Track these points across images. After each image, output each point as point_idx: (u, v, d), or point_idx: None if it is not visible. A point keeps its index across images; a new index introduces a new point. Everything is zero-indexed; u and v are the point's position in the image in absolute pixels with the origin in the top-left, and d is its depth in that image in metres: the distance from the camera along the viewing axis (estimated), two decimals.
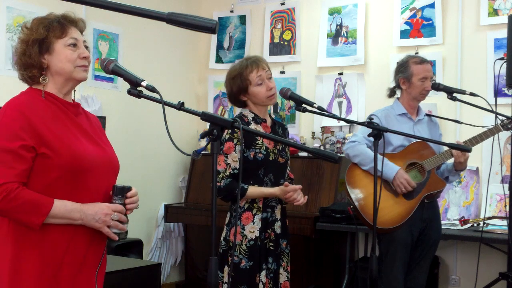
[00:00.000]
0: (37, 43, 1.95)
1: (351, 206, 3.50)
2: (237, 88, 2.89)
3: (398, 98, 3.52)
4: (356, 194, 3.35)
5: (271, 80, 2.90)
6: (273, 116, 3.08)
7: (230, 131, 2.78)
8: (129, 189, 2.01)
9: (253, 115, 2.91)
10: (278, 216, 2.90)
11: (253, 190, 2.80)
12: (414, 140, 3.35)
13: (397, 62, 3.53)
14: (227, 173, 2.77)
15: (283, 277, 2.90)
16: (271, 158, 2.85)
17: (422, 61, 3.44)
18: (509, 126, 3.35)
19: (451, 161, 3.41)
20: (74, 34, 1.99)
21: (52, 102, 1.97)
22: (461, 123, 3.65)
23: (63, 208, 1.88)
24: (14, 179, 1.83)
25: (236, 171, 2.77)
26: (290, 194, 2.82)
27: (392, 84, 3.54)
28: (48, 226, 1.89)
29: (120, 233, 1.99)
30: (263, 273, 2.80)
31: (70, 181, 1.90)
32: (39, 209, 1.84)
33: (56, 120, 1.94)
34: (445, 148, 3.34)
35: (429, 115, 3.58)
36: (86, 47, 2.03)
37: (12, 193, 1.81)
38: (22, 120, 1.86)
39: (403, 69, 3.43)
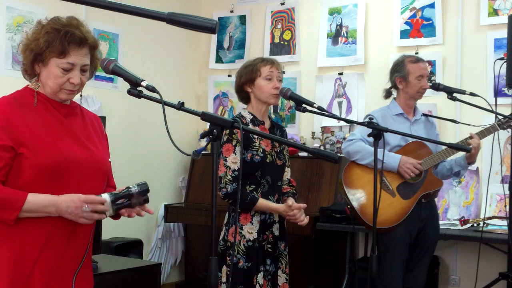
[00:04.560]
0: (33, 53, 1.93)
1: (349, 206, 3.50)
2: (246, 77, 2.92)
3: (394, 98, 3.53)
4: (353, 195, 3.36)
5: (280, 82, 2.93)
6: (272, 116, 3.08)
7: (228, 132, 2.78)
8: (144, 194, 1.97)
9: (251, 116, 2.91)
10: (276, 218, 2.90)
11: (261, 202, 2.80)
12: (410, 140, 3.36)
13: (393, 62, 3.55)
14: (229, 177, 2.77)
15: (281, 279, 2.90)
16: (268, 160, 2.85)
17: (418, 59, 3.46)
18: (506, 125, 3.36)
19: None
20: (73, 58, 1.93)
21: (41, 102, 1.97)
22: (458, 122, 3.66)
23: (37, 202, 1.86)
24: None
25: (236, 173, 2.77)
26: (294, 213, 2.82)
27: (388, 85, 3.55)
28: (24, 224, 1.88)
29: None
30: (260, 275, 2.80)
31: (48, 182, 1.89)
32: (12, 204, 1.84)
33: (41, 121, 1.94)
34: (442, 147, 3.34)
35: (426, 115, 3.58)
36: (85, 71, 1.98)
37: None
38: (2, 120, 1.87)
39: (399, 68, 3.45)
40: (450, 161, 3.45)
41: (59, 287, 1.94)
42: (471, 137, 3.31)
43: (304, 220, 2.86)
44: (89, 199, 1.89)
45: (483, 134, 3.34)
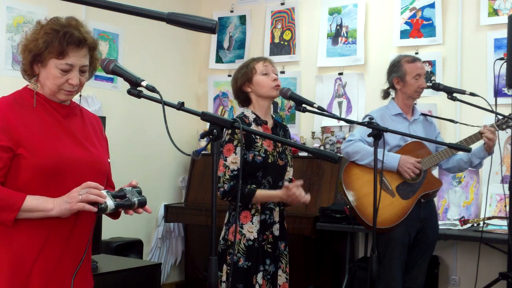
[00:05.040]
0: (32, 54, 1.93)
1: (348, 206, 3.50)
2: (243, 79, 2.93)
3: (393, 98, 3.53)
4: (352, 195, 3.36)
5: (276, 76, 2.95)
6: (272, 116, 3.08)
7: (230, 132, 2.78)
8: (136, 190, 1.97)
9: (254, 116, 2.91)
10: (277, 219, 2.90)
11: (261, 192, 2.79)
12: (409, 140, 3.37)
13: (390, 63, 3.55)
14: (227, 177, 2.77)
15: (282, 279, 2.90)
16: (270, 161, 2.84)
17: (414, 59, 3.47)
18: (504, 126, 3.36)
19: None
20: (72, 59, 1.92)
21: (40, 102, 1.97)
22: (456, 122, 3.66)
23: (35, 200, 1.86)
24: None
25: (235, 172, 2.77)
26: (294, 191, 2.78)
27: (386, 86, 3.56)
28: (22, 225, 1.88)
29: (99, 206, 1.85)
30: (260, 275, 2.80)
31: (47, 182, 1.89)
32: (11, 205, 1.83)
33: (40, 122, 1.94)
34: (442, 147, 3.34)
35: (424, 115, 3.59)
36: (84, 71, 1.98)
37: None
38: (0, 121, 1.87)
39: (396, 68, 3.46)
40: (466, 154, 3.41)
41: (58, 285, 1.93)
42: (481, 133, 3.30)
43: (305, 197, 2.82)
44: (84, 185, 1.86)
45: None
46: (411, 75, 3.41)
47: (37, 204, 1.86)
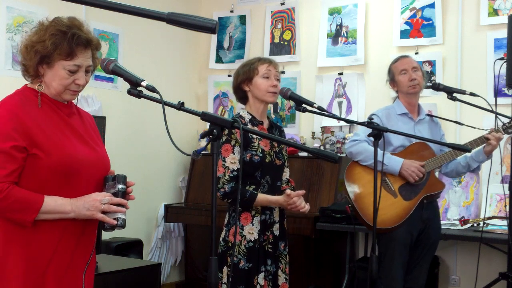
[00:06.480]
0: (40, 55, 1.93)
1: (349, 205, 3.49)
2: (243, 76, 2.93)
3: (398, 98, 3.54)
4: (354, 194, 3.35)
5: (278, 82, 2.94)
6: (272, 116, 3.08)
7: (227, 132, 2.78)
8: (121, 177, 2.02)
9: (250, 116, 2.91)
10: (277, 219, 2.90)
11: (261, 197, 2.79)
12: (414, 141, 3.35)
13: None
14: (227, 177, 2.77)
15: (281, 279, 2.90)
16: (267, 160, 2.85)
17: (399, 58, 3.52)
18: (510, 130, 3.34)
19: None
20: (80, 60, 1.94)
21: (45, 102, 1.98)
22: (462, 124, 3.65)
23: (54, 202, 1.89)
24: (5, 179, 1.85)
25: (235, 173, 2.77)
26: (294, 201, 2.80)
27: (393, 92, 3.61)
28: (38, 226, 1.90)
29: (118, 220, 1.94)
30: (261, 276, 2.80)
31: (60, 182, 1.92)
32: (30, 206, 1.86)
33: (49, 121, 1.95)
34: (446, 148, 3.34)
35: (430, 115, 3.58)
36: (88, 71, 2.00)
37: (2, 192, 1.83)
38: (14, 121, 1.87)
39: (388, 74, 3.53)
40: (464, 158, 3.41)
41: (71, 283, 1.98)
42: (486, 138, 3.30)
43: (305, 207, 2.84)
44: (107, 194, 1.94)
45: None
46: (398, 73, 3.44)
47: (55, 206, 1.89)
